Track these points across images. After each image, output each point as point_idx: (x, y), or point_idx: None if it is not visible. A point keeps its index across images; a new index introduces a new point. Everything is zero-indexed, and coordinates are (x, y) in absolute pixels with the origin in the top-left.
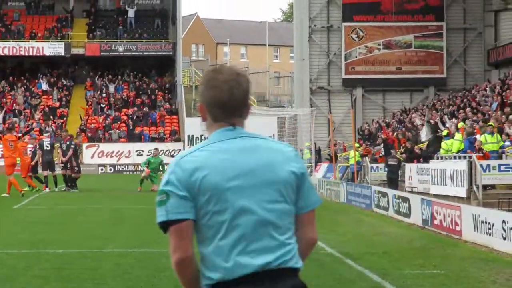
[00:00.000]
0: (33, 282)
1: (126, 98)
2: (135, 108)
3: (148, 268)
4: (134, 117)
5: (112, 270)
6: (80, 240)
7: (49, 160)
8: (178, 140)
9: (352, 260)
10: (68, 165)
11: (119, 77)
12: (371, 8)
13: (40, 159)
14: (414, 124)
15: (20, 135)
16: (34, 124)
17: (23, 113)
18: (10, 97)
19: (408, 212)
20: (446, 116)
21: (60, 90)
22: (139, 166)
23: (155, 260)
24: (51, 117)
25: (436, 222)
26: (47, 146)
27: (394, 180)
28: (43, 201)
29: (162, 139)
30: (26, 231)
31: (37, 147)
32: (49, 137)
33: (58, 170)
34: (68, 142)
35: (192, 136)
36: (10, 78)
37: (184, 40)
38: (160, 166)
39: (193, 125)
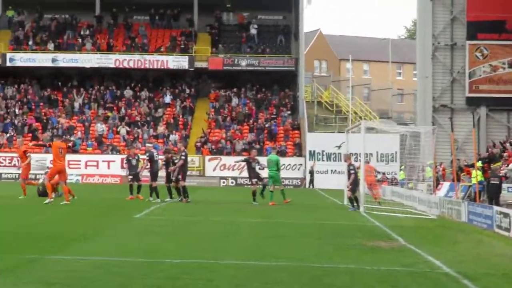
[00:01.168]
0: None
1: (248, 112)
2: (257, 122)
3: (263, 281)
4: (256, 131)
5: (227, 281)
6: (196, 250)
7: (156, 171)
8: (299, 155)
9: (469, 280)
10: (174, 176)
11: (241, 91)
12: (496, 26)
13: (146, 169)
14: None
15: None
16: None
17: (146, 124)
18: (134, 108)
19: None
20: None
21: (183, 102)
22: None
23: (271, 273)
24: (174, 129)
25: None
26: (156, 157)
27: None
28: (163, 212)
29: (283, 154)
30: (144, 240)
31: (147, 157)
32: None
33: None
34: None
35: (314, 151)
36: (136, 89)
37: (307, 55)
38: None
39: (314, 140)
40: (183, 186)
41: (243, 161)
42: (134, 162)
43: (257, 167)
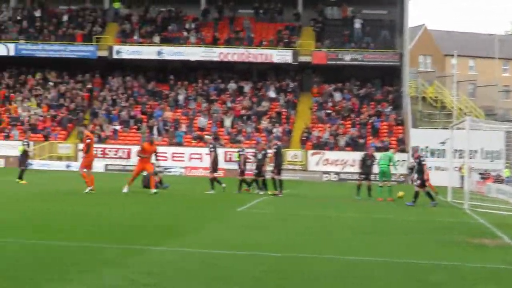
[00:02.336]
0: (247, 283)
1: (351, 107)
2: (360, 117)
3: (361, 276)
4: (359, 126)
5: (327, 275)
6: (297, 244)
7: (279, 163)
8: (403, 150)
9: None
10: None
11: (345, 85)
12: None
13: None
14: None
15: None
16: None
17: (251, 118)
18: (238, 101)
19: None
20: None
21: (286, 96)
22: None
23: (369, 268)
24: (277, 123)
25: None
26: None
27: None
28: (266, 205)
29: (386, 149)
30: (245, 233)
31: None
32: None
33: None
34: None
35: (418, 147)
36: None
37: (411, 51)
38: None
39: (418, 136)
40: (280, 180)
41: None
42: (260, 156)
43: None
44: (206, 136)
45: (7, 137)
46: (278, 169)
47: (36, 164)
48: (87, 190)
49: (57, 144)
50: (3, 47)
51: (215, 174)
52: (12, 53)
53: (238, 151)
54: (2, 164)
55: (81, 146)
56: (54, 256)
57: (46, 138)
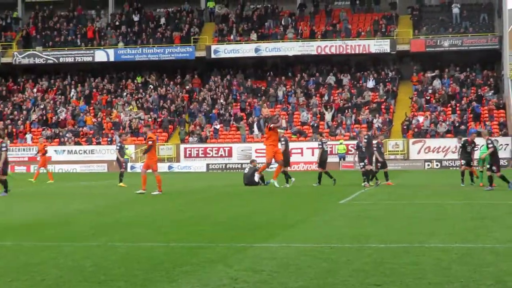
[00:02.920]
0: (354, 276)
1: (451, 93)
2: (460, 103)
3: (470, 263)
4: (460, 112)
5: (433, 265)
6: (402, 234)
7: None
8: (505, 134)
9: None
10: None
11: (444, 71)
12: None
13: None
14: None
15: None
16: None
17: (348, 110)
18: (337, 94)
19: None
20: None
21: (386, 86)
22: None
23: (477, 256)
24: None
25: None
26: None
27: None
28: (367, 197)
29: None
30: (349, 226)
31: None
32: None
33: None
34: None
35: None
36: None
37: (511, 33)
38: None
39: None
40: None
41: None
42: (364, 148)
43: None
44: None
45: (110, 142)
46: (370, 160)
47: (138, 167)
48: (138, 192)
49: (158, 146)
50: (103, 53)
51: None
52: (112, 59)
53: (321, 143)
54: (105, 169)
55: (182, 147)
56: (159, 256)
57: None
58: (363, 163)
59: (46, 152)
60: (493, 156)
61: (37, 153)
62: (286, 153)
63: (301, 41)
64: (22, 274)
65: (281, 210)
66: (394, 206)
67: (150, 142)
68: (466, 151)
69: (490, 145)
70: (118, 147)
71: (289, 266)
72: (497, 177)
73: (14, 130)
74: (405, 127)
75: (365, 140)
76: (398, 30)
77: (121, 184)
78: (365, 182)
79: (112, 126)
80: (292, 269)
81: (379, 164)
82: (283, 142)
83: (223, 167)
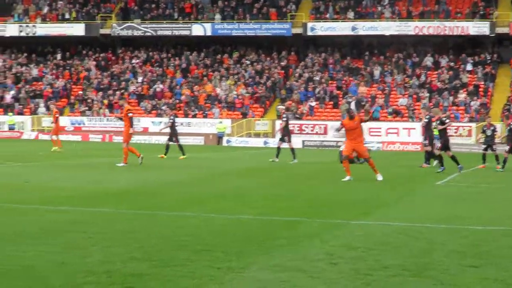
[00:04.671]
0: (450, 256)
1: None
2: None
3: None
4: None
5: None
6: (500, 217)
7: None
8: None
9: None
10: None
11: None
12: None
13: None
14: None
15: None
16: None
17: (447, 92)
18: (434, 75)
19: None
20: None
21: (484, 69)
22: None
23: None
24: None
25: None
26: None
27: None
28: (463, 179)
29: None
30: (445, 207)
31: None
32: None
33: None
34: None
35: None
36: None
37: None
38: None
39: None
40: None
41: None
42: (489, 132)
43: None
44: (279, 107)
45: (205, 116)
46: (430, 141)
47: (234, 141)
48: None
49: (254, 122)
50: (200, 27)
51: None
52: (208, 33)
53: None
54: (201, 141)
55: (278, 123)
56: (254, 229)
57: (244, 115)
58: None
59: (57, 119)
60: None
61: (52, 122)
62: (287, 129)
63: (399, 21)
64: (119, 241)
65: (376, 189)
66: (492, 188)
67: (130, 114)
68: None
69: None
70: (171, 120)
71: (385, 244)
72: None
73: (111, 100)
74: (505, 111)
75: (425, 120)
76: (498, 12)
77: (183, 156)
78: (424, 163)
79: (208, 100)
80: (388, 247)
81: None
82: (284, 119)
83: (319, 144)
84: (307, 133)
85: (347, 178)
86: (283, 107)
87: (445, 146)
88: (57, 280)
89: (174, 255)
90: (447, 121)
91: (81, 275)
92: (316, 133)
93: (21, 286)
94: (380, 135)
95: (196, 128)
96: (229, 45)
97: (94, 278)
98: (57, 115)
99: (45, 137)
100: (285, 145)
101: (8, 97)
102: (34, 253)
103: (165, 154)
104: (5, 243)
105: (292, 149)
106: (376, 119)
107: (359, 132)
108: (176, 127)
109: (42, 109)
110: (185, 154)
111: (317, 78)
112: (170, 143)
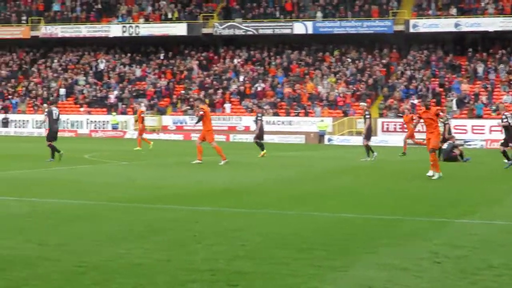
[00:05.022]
0: None
1: None
2: None
3: None
4: None
5: None
6: None
7: None
8: None
9: None
10: None
11: None
12: None
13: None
14: None
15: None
16: None
17: None
18: None
19: None
20: None
21: None
22: None
23: None
24: None
25: None
26: None
27: None
28: None
29: None
30: None
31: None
32: None
33: None
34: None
35: None
36: None
37: None
38: None
39: None
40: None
41: None
42: None
43: None
44: (362, 103)
45: (306, 114)
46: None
47: (336, 139)
48: (194, 162)
49: (355, 120)
50: (301, 25)
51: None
52: (310, 31)
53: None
54: (303, 140)
55: (380, 121)
56: (357, 228)
57: (345, 114)
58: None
59: (143, 119)
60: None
61: (135, 121)
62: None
63: (502, 16)
64: (222, 239)
65: (478, 187)
66: None
67: (201, 113)
68: None
69: None
70: (260, 119)
71: (491, 243)
72: None
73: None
74: None
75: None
76: None
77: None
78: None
79: (309, 98)
80: (494, 246)
81: None
82: (367, 116)
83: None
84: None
85: (432, 173)
86: (365, 105)
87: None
88: (163, 277)
89: (277, 253)
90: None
91: (186, 273)
92: (418, 131)
93: (129, 283)
94: (483, 133)
95: (297, 127)
96: (330, 43)
97: (198, 276)
98: (142, 115)
99: (147, 136)
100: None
101: (112, 97)
102: (140, 251)
103: (261, 151)
104: (114, 242)
105: (367, 147)
106: (479, 116)
107: (435, 124)
108: (262, 126)
109: (142, 108)
110: (265, 150)
111: (419, 75)
112: (258, 141)
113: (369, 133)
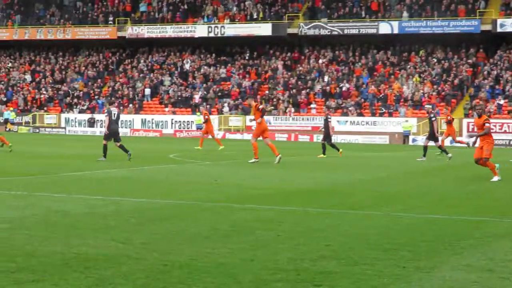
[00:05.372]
0: None
1: None
2: None
3: None
4: None
5: None
6: None
7: None
8: None
9: None
10: None
11: None
12: None
13: None
14: None
15: None
16: None
17: None
18: None
19: None
20: None
21: None
22: None
23: None
24: None
25: None
26: None
27: None
28: None
29: None
30: None
31: None
32: None
33: None
34: None
35: None
36: None
37: None
38: None
39: None
40: None
41: None
42: None
43: None
44: (427, 106)
45: (390, 114)
46: None
47: (420, 140)
48: (252, 161)
49: (440, 120)
50: (387, 25)
51: None
52: (395, 31)
53: None
54: (386, 141)
55: (465, 121)
56: (442, 228)
57: None
58: None
59: (208, 120)
60: None
61: (204, 122)
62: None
63: None
64: (307, 239)
65: None
66: None
67: (260, 107)
68: None
69: None
70: (329, 120)
71: None
72: None
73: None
74: None
75: None
76: None
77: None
78: None
79: (394, 98)
80: None
81: None
82: (433, 118)
83: (507, 143)
84: (495, 132)
85: (495, 178)
86: (430, 106)
87: None
88: (247, 276)
89: (363, 253)
90: None
91: (271, 272)
92: (504, 132)
93: (213, 282)
94: None
95: (381, 127)
96: (416, 43)
97: (283, 276)
98: (206, 117)
99: (232, 136)
100: (431, 143)
101: (197, 97)
102: (225, 250)
103: (338, 150)
104: (198, 241)
105: (425, 148)
106: None
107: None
108: (330, 127)
109: (225, 108)
110: (325, 154)
111: (506, 75)
112: (328, 143)
113: (432, 135)
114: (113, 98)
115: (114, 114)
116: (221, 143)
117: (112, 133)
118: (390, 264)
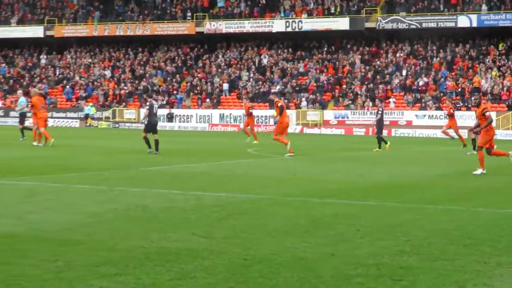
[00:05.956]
0: None
1: None
2: None
3: None
4: None
5: None
6: None
7: None
8: None
9: None
10: None
11: None
12: None
13: None
14: None
15: None
16: None
17: None
18: None
19: None
20: None
21: None
22: None
23: None
24: None
25: None
26: None
27: None
28: None
29: None
30: None
31: None
32: None
33: None
34: None
35: None
36: None
37: None
38: None
39: None
40: None
41: None
42: None
43: None
44: None
45: (468, 109)
46: None
47: (499, 134)
48: (287, 155)
49: None
50: (465, 18)
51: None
52: (474, 24)
53: None
54: (465, 135)
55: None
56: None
57: (509, 108)
58: None
59: (251, 113)
60: None
61: (247, 115)
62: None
63: None
64: (386, 234)
65: None
66: None
67: (279, 104)
68: None
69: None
70: (380, 113)
71: None
72: None
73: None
74: None
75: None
76: None
77: (377, 149)
78: None
79: (471, 91)
80: None
81: None
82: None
83: None
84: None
85: (479, 171)
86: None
87: None
88: (327, 271)
89: (443, 249)
90: None
91: (351, 267)
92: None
93: (293, 277)
94: None
95: (459, 121)
96: (495, 36)
97: (363, 270)
98: (250, 110)
99: (309, 131)
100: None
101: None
102: (305, 245)
103: (385, 144)
104: (278, 236)
105: (473, 140)
106: None
107: (484, 122)
108: (383, 120)
109: (304, 103)
110: (381, 148)
111: None
112: (380, 136)
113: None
114: (149, 92)
115: (155, 107)
116: (256, 138)
117: (151, 125)
118: (471, 259)
